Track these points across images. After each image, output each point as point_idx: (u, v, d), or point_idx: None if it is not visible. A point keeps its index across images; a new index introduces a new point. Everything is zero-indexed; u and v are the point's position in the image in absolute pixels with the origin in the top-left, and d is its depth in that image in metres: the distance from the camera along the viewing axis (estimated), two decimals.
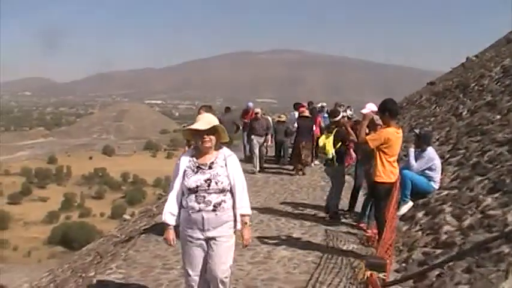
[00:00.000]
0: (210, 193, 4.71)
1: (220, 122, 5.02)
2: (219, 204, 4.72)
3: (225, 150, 4.95)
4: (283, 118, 18.65)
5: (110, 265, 7.72)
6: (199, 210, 4.69)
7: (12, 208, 79.05)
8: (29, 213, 77.60)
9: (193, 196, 4.73)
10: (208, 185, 4.70)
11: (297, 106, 18.58)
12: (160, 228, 9.61)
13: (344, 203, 10.66)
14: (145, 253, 8.05)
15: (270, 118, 18.85)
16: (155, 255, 7.87)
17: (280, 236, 8.91)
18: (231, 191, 4.84)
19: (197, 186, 4.71)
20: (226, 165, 4.82)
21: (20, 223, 74.46)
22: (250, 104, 20.02)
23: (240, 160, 16.57)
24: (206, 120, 4.78)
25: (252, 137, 16.98)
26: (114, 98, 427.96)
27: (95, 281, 7.14)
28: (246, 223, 4.92)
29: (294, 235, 8.96)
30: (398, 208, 8.84)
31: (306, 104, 18.85)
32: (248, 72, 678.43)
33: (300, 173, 16.00)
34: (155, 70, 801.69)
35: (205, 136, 4.72)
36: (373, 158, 7.53)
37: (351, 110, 17.92)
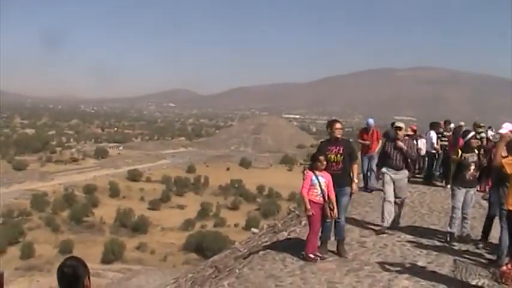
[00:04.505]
0: None
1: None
2: None
3: None
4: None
5: (223, 281, 7.60)
6: None
7: (151, 214, 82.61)
8: (167, 219, 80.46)
9: None
10: None
11: (433, 125, 17.57)
12: (280, 246, 9.47)
13: (478, 231, 9.88)
14: (259, 272, 7.83)
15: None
16: (269, 275, 7.62)
17: (403, 263, 8.33)
18: None
19: None
20: None
21: (158, 228, 77.29)
22: (371, 121, 15.86)
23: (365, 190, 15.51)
24: None
25: (384, 169, 10.51)
26: (253, 112, 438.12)
27: None
28: None
29: (419, 263, 8.33)
30: None
31: (442, 123, 17.86)
32: (388, 90, 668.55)
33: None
34: (296, 85, 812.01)
35: None
36: (509, 184, 6.88)
37: (492, 131, 16.91)
